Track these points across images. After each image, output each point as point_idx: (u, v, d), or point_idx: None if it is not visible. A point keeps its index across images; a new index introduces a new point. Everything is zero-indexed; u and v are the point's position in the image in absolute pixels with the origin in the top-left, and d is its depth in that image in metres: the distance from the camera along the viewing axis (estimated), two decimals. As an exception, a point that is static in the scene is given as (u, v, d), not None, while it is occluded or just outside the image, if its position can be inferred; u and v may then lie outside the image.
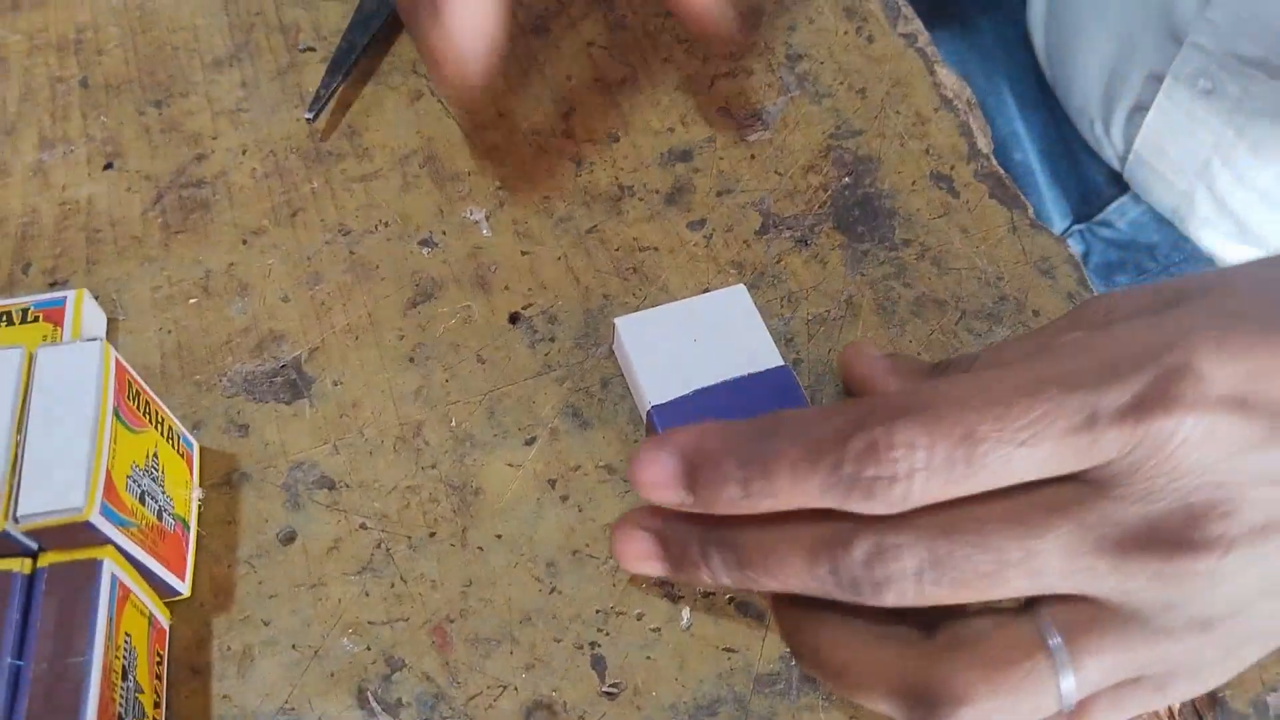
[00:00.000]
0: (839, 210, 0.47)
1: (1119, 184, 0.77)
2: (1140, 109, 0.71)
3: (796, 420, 0.28)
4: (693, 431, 0.29)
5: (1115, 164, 0.77)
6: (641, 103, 0.50)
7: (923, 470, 0.26)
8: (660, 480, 0.29)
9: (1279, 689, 0.37)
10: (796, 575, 0.28)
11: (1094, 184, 0.79)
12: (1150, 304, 0.30)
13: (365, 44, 0.50)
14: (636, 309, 0.44)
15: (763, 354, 0.39)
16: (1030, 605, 0.28)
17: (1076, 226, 0.78)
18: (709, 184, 0.48)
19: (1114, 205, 0.77)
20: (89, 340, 0.33)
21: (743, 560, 0.29)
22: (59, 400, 0.32)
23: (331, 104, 0.49)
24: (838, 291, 0.45)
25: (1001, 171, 0.48)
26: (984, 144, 0.49)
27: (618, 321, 0.40)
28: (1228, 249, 0.72)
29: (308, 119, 0.47)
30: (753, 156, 0.49)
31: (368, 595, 0.38)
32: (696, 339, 0.39)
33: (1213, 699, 0.37)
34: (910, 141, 0.49)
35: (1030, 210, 0.46)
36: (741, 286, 0.41)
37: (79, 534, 0.31)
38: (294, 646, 0.37)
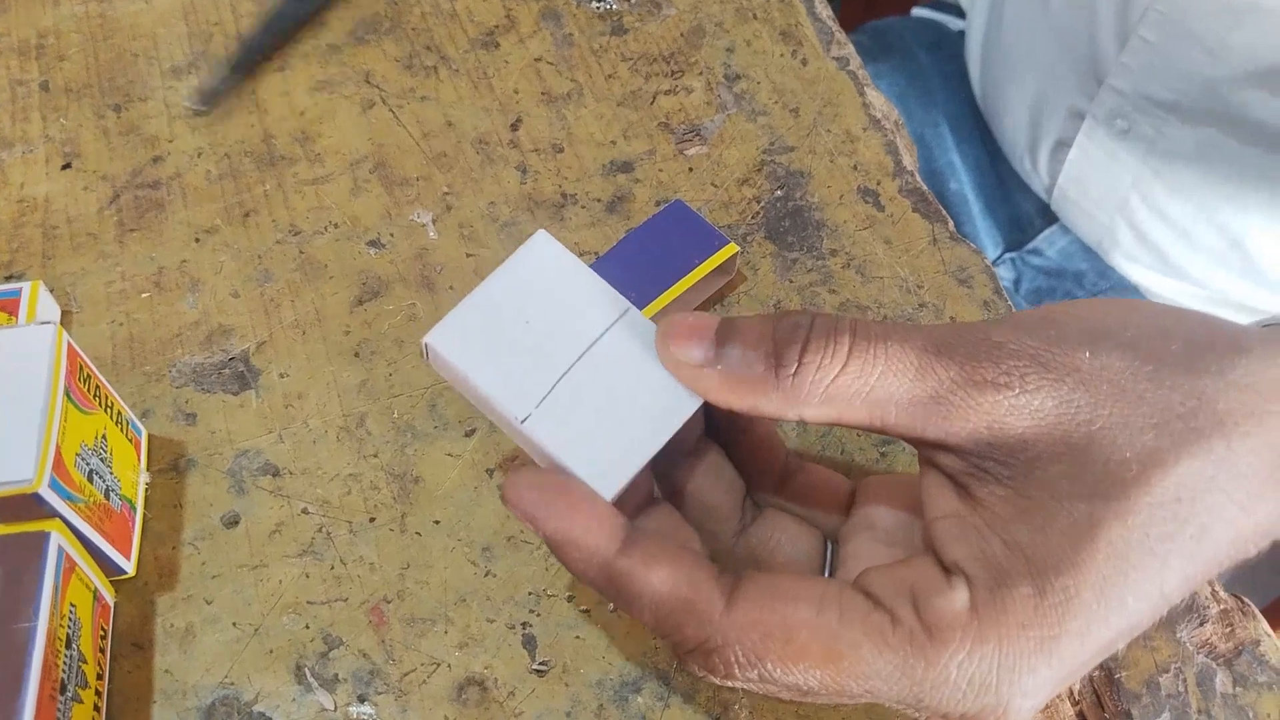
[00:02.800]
0: (770, 221, 0.49)
1: (1048, 215, 0.81)
2: (1063, 145, 0.74)
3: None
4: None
5: (1044, 196, 0.80)
6: (585, 116, 0.53)
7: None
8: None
9: (1170, 669, 0.39)
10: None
11: (1024, 214, 0.82)
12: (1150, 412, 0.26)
13: (271, 45, 0.52)
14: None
15: (602, 302, 0.31)
16: None
17: (1009, 254, 0.81)
18: (648, 194, 0.50)
19: (1044, 234, 0.80)
20: (42, 323, 0.35)
21: None
22: (12, 378, 0.33)
23: (228, 99, 0.51)
24: (767, 297, 0.47)
25: (924, 187, 0.51)
26: (909, 162, 0.52)
27: (429, 340, 0.30)
28: (1150, 279, 0.75)
29: (199, 110, 0.49)
30: (690, 169, 0.51)
31: (308, 577, 0.39)
32: (528, 319, 0.30)
33: (1109, 679, 0.39)
34: (839, 158, 0.51)
35: (950, 224, 0.49)
36: (542, 232, 0.32)
37: (28, 506, 0.32)
38: (235, 624, 0.38)
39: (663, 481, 0.34)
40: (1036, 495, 0.26)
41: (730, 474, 0.34)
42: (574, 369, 0.30)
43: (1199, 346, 0.27)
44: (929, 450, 0.28)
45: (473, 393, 0.30)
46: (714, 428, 0.34)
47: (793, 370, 0.27)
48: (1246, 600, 0.42)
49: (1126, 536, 0.25)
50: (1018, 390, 0.26)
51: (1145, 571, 0.25)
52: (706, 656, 0.26)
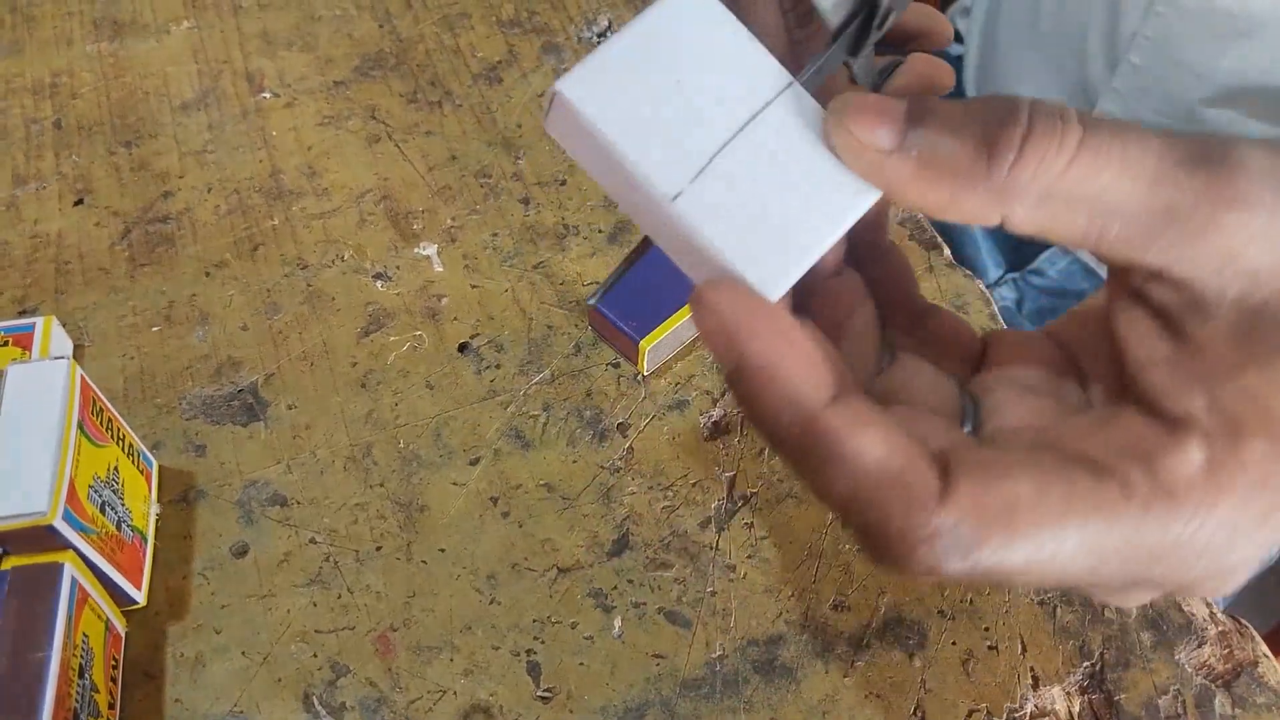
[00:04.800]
0: (769, 249, 0.50)
1: (1048, 234, 0.81)
2: None
3: None
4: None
5: (1045, 215, 0.81)
6: (587, 148, 0.54)
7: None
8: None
9: (1169, 691, 0.40)
10: None
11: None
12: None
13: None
14: (577, 341, 0.47)
15: (761, 71, 0.26)
16: None
17: (1010, 275, 0.82)
18: (649, 224, 0.51)
19: (1044, 255, 0.81)
20: (57, 358, 0.36)
21: None
22: (27, 413, 0.34)
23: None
24: (766, 324, 0.48)
25: (921, 216, 0.51)
26: (906, 190, 0.53)
27: (560, 87, 0.23)
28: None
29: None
30: (690, 199, 0.52)
31: (315, 606, 0.40)
32: (678, 79, 0.25)
33: (1108, 700, 0.39)
34: (837, 187, 0.52)
35: (946, 252, 0.50)
36: None
37: (42, 538, 0.33)
38: (244, 653, 0.39)
39: (797, 303, 0.28)
40: (1268, 339, 0.23)
41: (870, 306, 0.29)
42: (731, 144, 0.24)
43: None
44: (1140, 280, 0.24)
45: (605, 161, 0.24)
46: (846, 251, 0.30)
47: (1010, 159, 0.23)
48: (1244, 622, 0.42)
49: None
50: (1267, 214, 0.22)
51: None
52: (911, 546, 0.22)
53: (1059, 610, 0.41)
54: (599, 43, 0.58)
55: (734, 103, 0.25)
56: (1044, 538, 0.22)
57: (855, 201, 0.24)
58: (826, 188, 0.24)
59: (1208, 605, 0.42)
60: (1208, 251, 0.23)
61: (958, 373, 0.30)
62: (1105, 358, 0.28)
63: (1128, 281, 0.25)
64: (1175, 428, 0.23)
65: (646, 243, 0.25)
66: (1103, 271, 0.78)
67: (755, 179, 0.24)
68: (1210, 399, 0.23)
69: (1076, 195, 0.23)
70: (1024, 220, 0.23)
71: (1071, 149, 0.22)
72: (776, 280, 0.24)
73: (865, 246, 0.29)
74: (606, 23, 0.59)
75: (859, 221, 0.24)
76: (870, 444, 0.22)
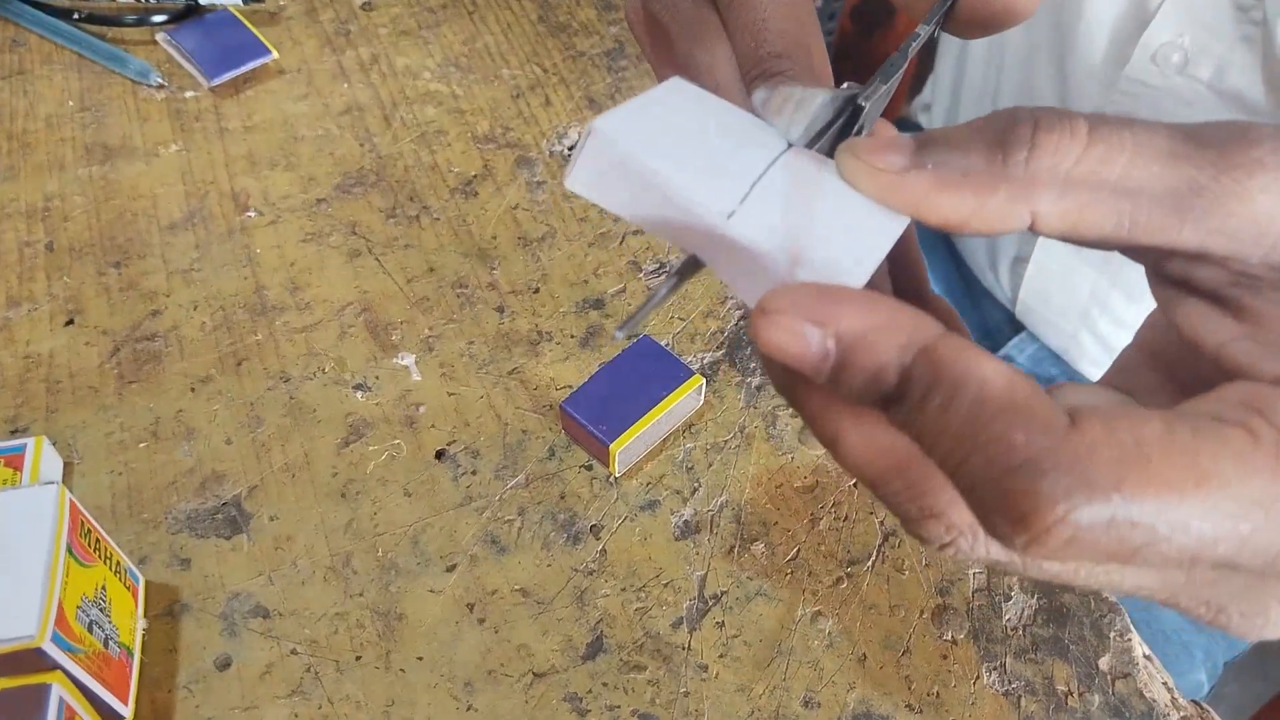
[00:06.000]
0: (733, 350, 0.52)
1: (1015, 323, 0.84)
2: (1021, 260, 0.78)
3: None
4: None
5: (1009, 306, 0.83)
6: (559, 257, 0.56)
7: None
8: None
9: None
10: None
11: (994, 322, 0.85)
12: None
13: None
14: (551, 444, 0.49)
15: (762, 134, 0.27)
16: None
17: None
18: (619, 329, 0.53)
19: (1013, 341, 0.83)
20: (46, 484, 0.37)
21: None
22: (16, 538, 0.36)
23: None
24: (733, 423, 0.50)
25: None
26: (865, 289, 0.55)
27: (598, 124, 0.24)
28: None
29: (617, 335, 0.49)
30: (658, 304, 0.54)
31: (297, 717, 0.41)
32: (696, 129, 0.26)
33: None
34: (799, 288, 0.55)
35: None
36: (677, 79, 0.27)
37: (31, 660, 0.34)
38: (227, 766, 0.40)
39: None
40: None
41: None
42: (761, 181, 0.25)
43: None
44: (1184, 269, 0.24)
45: (648, 190, 0.24)
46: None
47: (1024, 153, 0.22)
48: (1205, 706, 0.43)
49: None
50: None
51: None
52: (1036, 481, 0.19)
53: (1023, 700, 0.42)
54: (570, 155, 0.61)
55: (751, 150, 0.25)
56: (1182, 479, 0.20)
57: (883, 230, 0.24)
58: (859, 215, 0.24)
59: (1169, 690, 0.43)
60: (1240, 222, 0.22)
61: None
62: (1178, 363, 0.27)
63: (1172, 275, 0.25)
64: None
65: (692, 262, 0.25)
66: (1070, 360, 0.80)
67: (793, 209, 0.24)
68: None
69: (1098, 182, 0.22)
70: (1051, 214, 0.23)
71: (1083, 137, 0.22)
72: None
73: (910, 297, 0.29)
74: (576, 135, 0.62)
75: (903, 275, 0.25)
76: (994, 371, 0.20)
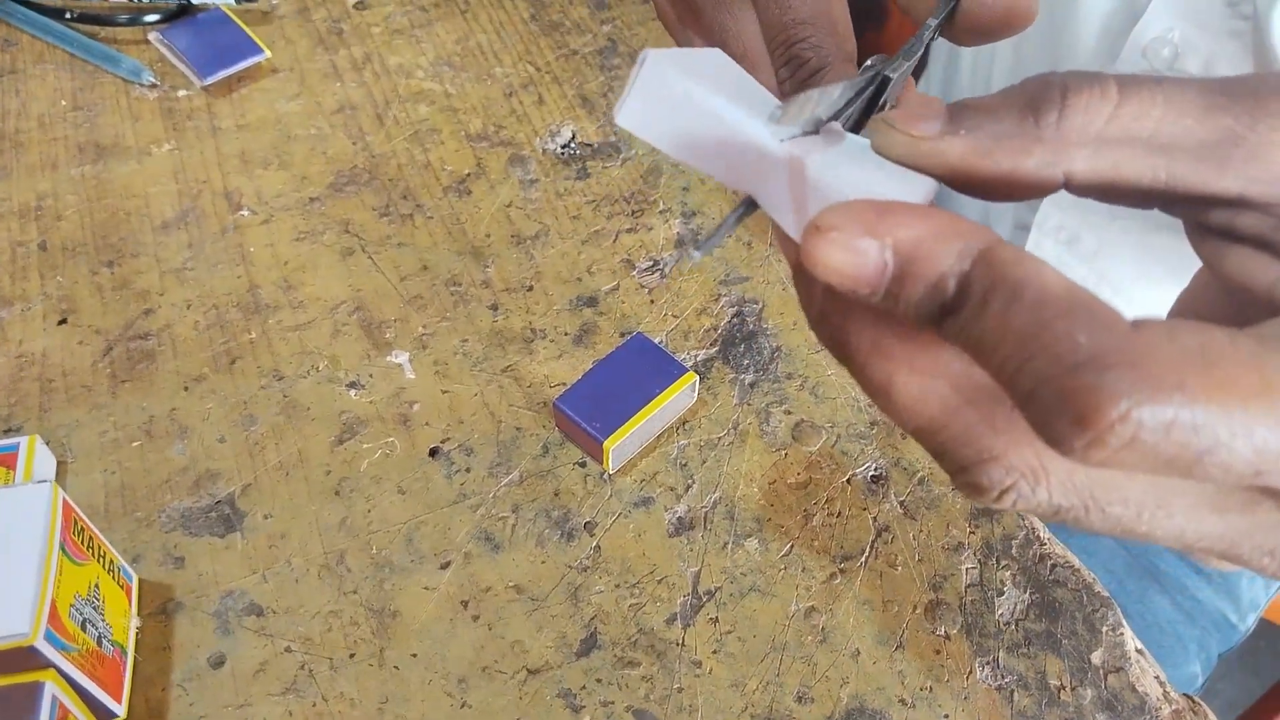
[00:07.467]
0: (727, 347, 0.52)
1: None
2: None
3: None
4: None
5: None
6: (552, 255, 0.56)
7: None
8: None
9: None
10: None
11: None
12: None
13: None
14: (545, 442, 0.49)
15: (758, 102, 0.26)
16: None
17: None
18: (612, 325, 0.53)
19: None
20: (39, 483, 0.37)
21: None
22: (9, 537, 0.36)
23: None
24: (726, 419, 0.50)
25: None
26: (858, 286, 0.55)
27: (651, 52, 0.24)
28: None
29: (695, 256, 0.49)
30: (652, 301, 0.54)
31: (291, 715, 0.41)
32: (742, 85, 0.26)
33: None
34: (791, 286, 0.55)
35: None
36: (717, 50, 0.27)
37: (24, 658, 0.34)
38: (221, 764, 0.40)
39: None
40: None
41: None
42: (801, 139, 0.25)
43: None
44: (1226, 219, 0.24)
45: (700, 122, 0.24)
46: None
47: (1055, 115, 0.23)
48: (1198, 700, 0.44)
49: None
50: None
51: None
52: (1101, 372, 0.18)
53: (1016, 695, 0.43)
54: (563, 154, 0.61)
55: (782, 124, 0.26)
56: (1246, 386, 0.19)
57: (917, 188, 0.24)
58: (894, 179, 0.24)
59: (1161, 684, 0.43)
60: (1278, 168, 0.23)
61: None
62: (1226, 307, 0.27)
63: (1216, 225, 0.24)
64: None
65: (748, 203, 0.25)
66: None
67: (836, 162, 0.25)
68: None
69: (1131, 139, 0.23)
70: (1087, 171, 0.23)
71: (1114, 96, 0.22)
72: None
73: None
74: (570, 134, 0.62)
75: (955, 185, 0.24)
76: (1054, 274, 0.20)
